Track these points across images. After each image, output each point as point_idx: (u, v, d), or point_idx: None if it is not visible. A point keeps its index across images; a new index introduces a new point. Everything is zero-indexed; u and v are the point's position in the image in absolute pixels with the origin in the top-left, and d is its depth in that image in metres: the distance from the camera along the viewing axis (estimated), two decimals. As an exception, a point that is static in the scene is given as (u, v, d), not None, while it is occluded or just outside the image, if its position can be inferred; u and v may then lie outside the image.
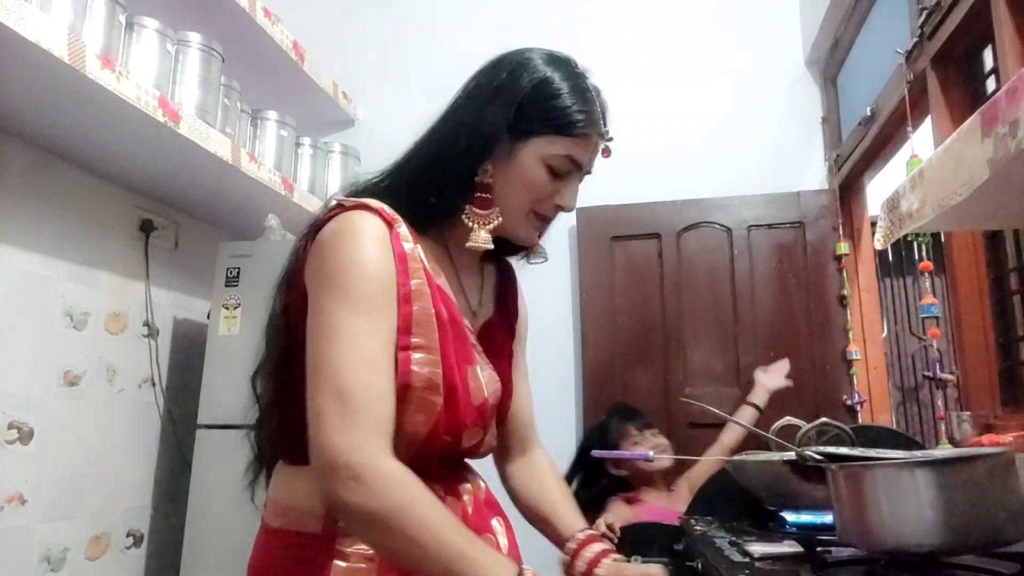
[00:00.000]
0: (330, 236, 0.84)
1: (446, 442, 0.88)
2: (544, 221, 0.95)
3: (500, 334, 1.03)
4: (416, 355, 0.83)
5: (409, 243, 0.87)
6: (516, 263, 1.10)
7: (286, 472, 0.91)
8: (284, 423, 0.91)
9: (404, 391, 0.82)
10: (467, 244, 0.90)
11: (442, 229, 0.94)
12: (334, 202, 0.90)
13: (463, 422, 0.88)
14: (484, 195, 0.90)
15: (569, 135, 0.89)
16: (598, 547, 0.96)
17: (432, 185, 0.90)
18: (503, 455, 1.09)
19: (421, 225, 0.91)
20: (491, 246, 0.91)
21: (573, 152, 0.90)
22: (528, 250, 1.03)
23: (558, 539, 1.01)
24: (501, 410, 1.01)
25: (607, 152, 0.94)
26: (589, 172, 0.96)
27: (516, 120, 0.88)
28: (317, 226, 0.87)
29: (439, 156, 0.90)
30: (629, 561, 0.95)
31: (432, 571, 0.74)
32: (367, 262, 0.82)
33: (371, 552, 0.82)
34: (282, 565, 0.87)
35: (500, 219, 0.90)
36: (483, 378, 0.93)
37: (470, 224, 0.90)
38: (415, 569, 0.78)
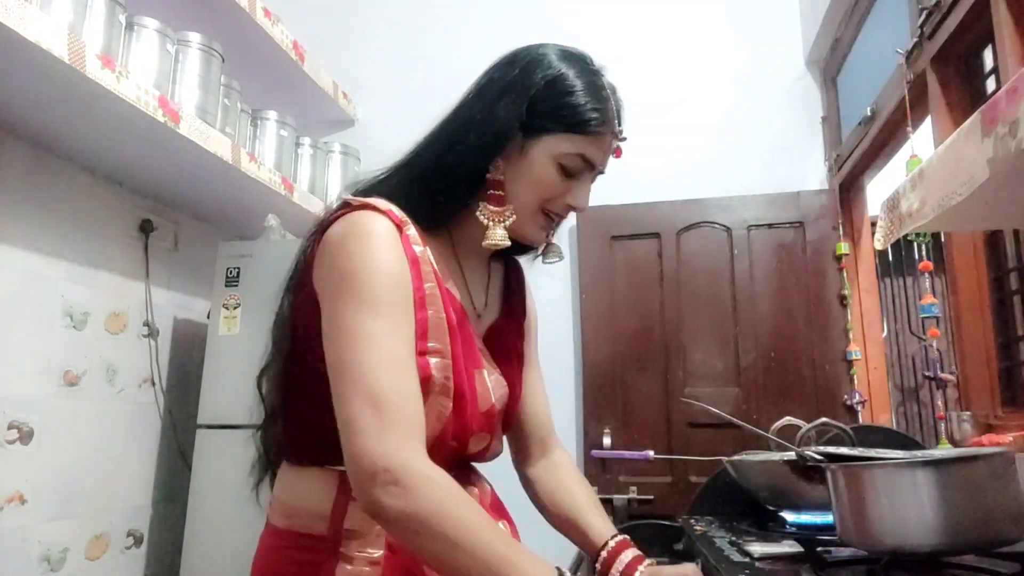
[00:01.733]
0: (339, 238, 0.82)
1: (452, 447, 0.87)
2: (553, 220, 0.93)
3: (508, 335, 1.01)
4: (433, 360, 0.83)
5: (419, 246, 0.86)
6: (526, 263, 1.09)
7: (292, 473, 0.90)
8: (291, 424, 0.90)
9: (426, 397, 0.81)
10: (484, 243, 0.88)
11: (449, 228, 0.93)
12: (340, 200, 0.88)
13: (470, 428, 0.88)
14: (498, 192, 0.88)
15: (582, 133, 0.87)
16: (631, 554, 0.96)
17: (442, 183, 0.88)
18: (523, 459, 1.08)
19: (429, 224, 0.89)
20: (508, 243, 0.88)
21: (586, 151, 0.88)
22: (539, 254, 1.02)
23: (590, 547, 1.00)
24: (508, 415, 0.99)
25: (618, 152, 0.93)
26: (602, 172, 0.94)
27: (528, 117, 0.87)
28: (324, 226, 0.86)
29: (449, 153, 0.88)
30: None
31: (472, 573, 0.72)
32: (381, 263, 0.80)
33: (376, 556, 0.82)
34: (287, 566, 0.86)
35: (515, 216, 0.89)
36: (490, 383, 0.92)
37: (486, 222, 0.88)
38: (453, 573, 0.75)
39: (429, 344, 0.83)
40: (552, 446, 1.09)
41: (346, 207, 0.86)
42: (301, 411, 0.87)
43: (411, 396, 0.77)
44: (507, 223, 0.88)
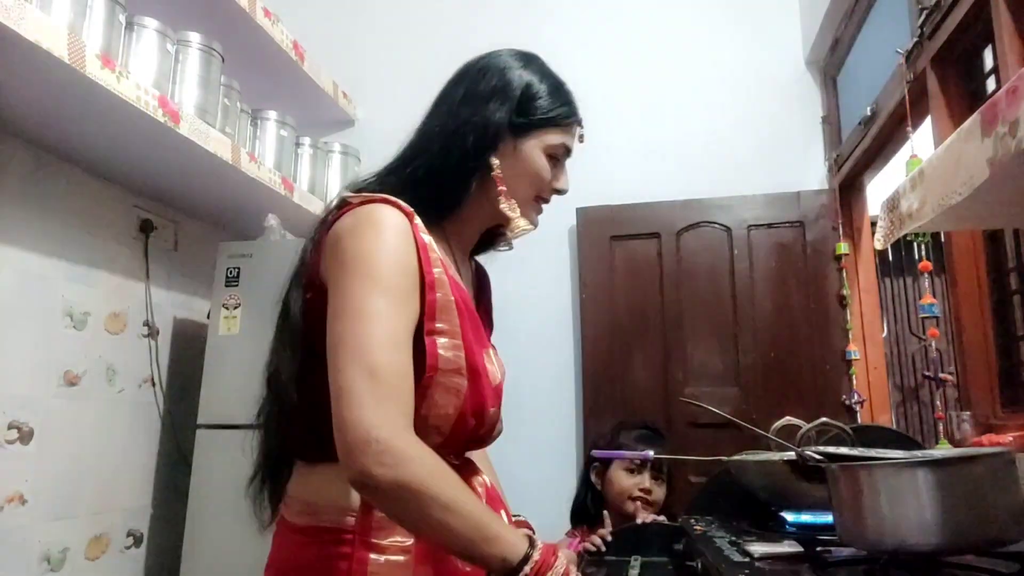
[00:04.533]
0: (350, 227, 0.87)
1: (471, 425, 0.91)
2: (542, 205, 1.05)
3: (486, 328, 1.09)
4: (441, 340, 0.87)
5: (427, 235, 0.91)
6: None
7: (309, 471, 0.92)
8: (307, 422, 0.90)
9: (432, 375, 0.85)
10: (513, 234, 1.00)
11: (443, 225, 0.99)
12: (339, 200, 0.93)
13: (487, 403, 0.92)
14: (503, 187, 0.98)
15: (560, 125, 1.00)
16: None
17: (443, 181, 0.96)
18: None
19: (427, 222, 0.94)
20: (535, 227, 1.01)
21: (566, 140, 1.01)
22: (496, 243, 1.12)
23: None
24: None
25: (581, 138, 1.06)
26: (570, 156, 1.06)
27: (515, 116, 0.97)
28: (329, 223, 0.91)
29: (448, 154, 0.96)
30: (629, 561, 0.97)
31: (458, 544, 0.78)
32: (390, 248, 0.85)
33: (408, 543, 0.84)
34: (311, 563, 0.87)
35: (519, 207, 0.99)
36: (496, 361, 0.99)
37: (510, 214, 0.98)
38: (441, 543, 0.81)
39: (437, 324, 0.87)
40: None
41: (348, 205, 0.90)
42: (317, 408, 0.86)
43: (406, 375, 0.81)
44: (517, 213, 0.99)
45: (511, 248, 1.12)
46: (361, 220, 0.87)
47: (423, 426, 0.84)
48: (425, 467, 0.76)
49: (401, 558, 0.84)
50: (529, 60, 1.03)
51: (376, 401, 0.76)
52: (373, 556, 0.83)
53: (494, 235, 1.10)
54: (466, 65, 1.04)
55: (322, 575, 0.85)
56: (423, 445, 0.78)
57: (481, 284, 1.15)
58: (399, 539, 0.84)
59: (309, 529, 0.88)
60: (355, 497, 0.85)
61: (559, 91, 1.01)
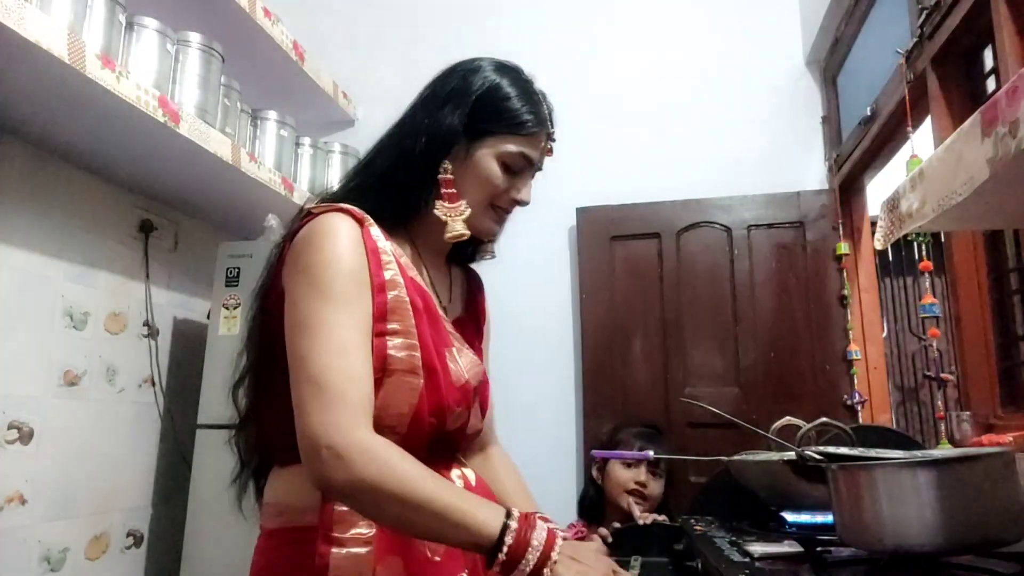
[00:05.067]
0: (304, 237, 0.90)
1: (432, 424, 0.91)
2: (502, 214, 1.02)
3: (469, 332, 1.08)
4: (393, 340, 0.88)
5: (381, 240, 0.92)
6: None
7: (279, 474, 0.94)
8: (271, 425, 0.93)
9: (384, 375, 0.86)
10: (446, 236, 0.95)
11: (408, 229, 1.00)
12: (304, 211, 0.96)
13: (446, 403, 0.92)
14: (450, 189, 0.96)
15: (521, 134, 0.97)
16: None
17: (397, 184, 0.97)
18: (462, 453, 1.11)
19: (389, 225, 0.96)
20: (468, 234, 0.96)
21: (525, 149, 0.97)
22: (478, 251, 1.12)
23: None
24: (482, 398, 1.05)
25: (550, 151, 1.02)
26: (540, 169, 1.03)
27: (471, 121, 0.96)
28: (291, 233, 0.94)
29: (401, 156, 0.97)
30: (629, 561, 0.97)
31: (427, 527, 0.79)
32: (338, 257, 0.86)
33: (369, 534, 0.85)
34: (283, 564, 0.89)
35: (469, 210, 0.96)
36: (462, 361, 0.97)
37: (444, 218, 0.95)
38: (412, 530, 0.83)
39: (389, 325, 0.88)
40: (489, 442, 1.15)
41: (309, 215, 0.93)
42: (278, 411, 0.89)
43: (354, 376, 0.82)
44: (463, 216, 0.96)
45: (494, 256, 1.12)
46: (313, 231, 0.89)
47: (378, 426, 0.85)
48: (378, 463, 0.77)
49: (363, 550, 0.84)
50: (501, 67, 1.00)
51: (324, 409, 0.79)
52: (334, 550, 0.84)
53: (477, 241, 1.08)
54: (444, 68, 1.03)
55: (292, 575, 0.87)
56: (380, 441, 0.80)
57: (472, 289, 1.14)
58: (361, 531, 0.85)
59: (280, 532, 0.90)
60: (318, 493, 0.86)
61: (525, 100, 0.98)
